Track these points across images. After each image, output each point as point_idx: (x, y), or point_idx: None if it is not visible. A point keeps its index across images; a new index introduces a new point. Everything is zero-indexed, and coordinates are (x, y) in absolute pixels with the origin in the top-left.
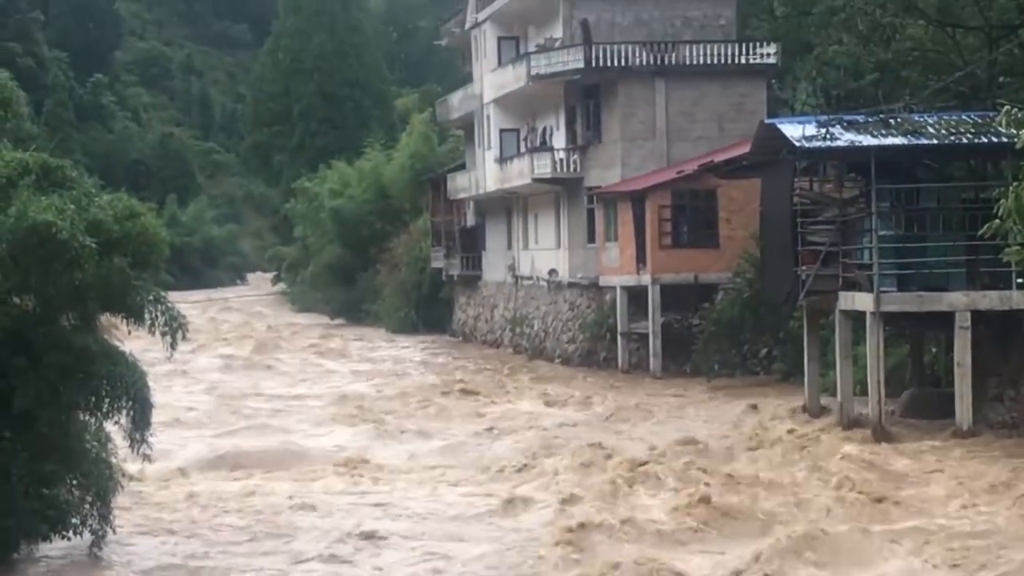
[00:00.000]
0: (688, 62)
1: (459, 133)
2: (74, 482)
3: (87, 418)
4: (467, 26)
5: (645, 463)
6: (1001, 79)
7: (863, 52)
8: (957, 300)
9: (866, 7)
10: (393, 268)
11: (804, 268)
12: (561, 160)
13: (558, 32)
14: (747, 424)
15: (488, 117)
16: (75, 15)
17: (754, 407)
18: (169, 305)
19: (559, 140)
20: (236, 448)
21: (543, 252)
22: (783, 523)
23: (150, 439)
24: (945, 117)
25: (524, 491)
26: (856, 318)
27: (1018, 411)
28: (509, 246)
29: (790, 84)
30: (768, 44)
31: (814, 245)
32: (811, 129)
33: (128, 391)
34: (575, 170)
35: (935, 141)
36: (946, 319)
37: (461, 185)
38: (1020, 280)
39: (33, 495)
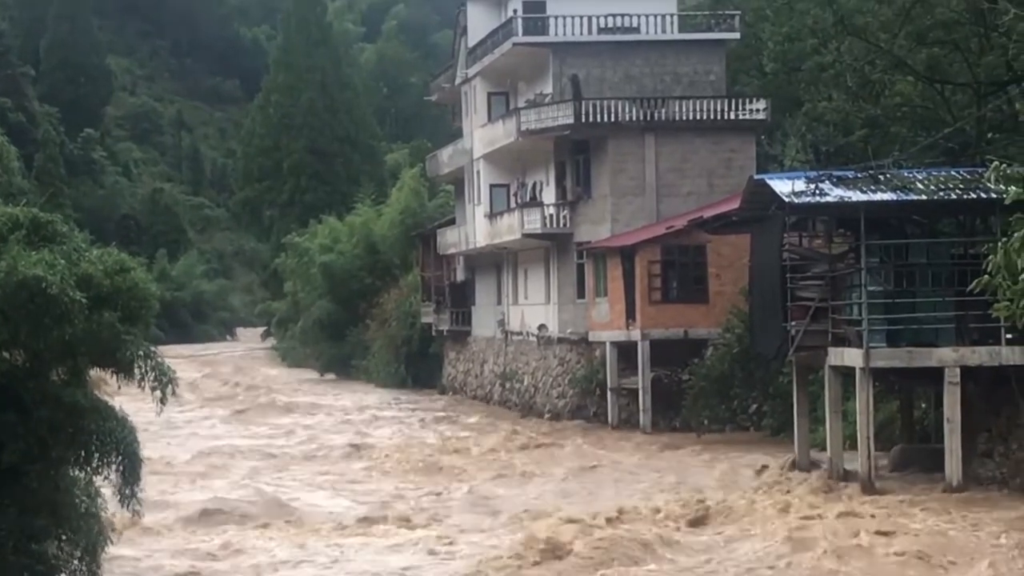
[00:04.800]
0: (678, 118)
1: (449, 188)
2: (63, 537)
3: (76, 473)
4: (457, 82)
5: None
6: (990, 135)
7: (852, 108)
8: (946, 356)
9: (855, 63)
10: (383, 323)
11: (793, 323)
12: (551, 215)
13: (548, 88)
14: None
15: (478, 172)
16: (66, 70)
17: None
18: (159, 360)
19: (549, 195)
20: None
21: (533, 307)
22: None
23: (140, 494)
24: (934, 173)
25: None
26: (846, 374)
27: (1008, 467)
28: (499, 301)
29: (779, 140)
30: (758, 100)
31: (803, 300)
32: (800, 185)
33: (118, 446)
34: (565, 225)
35: (924, 197)
36: (935, 375)
37: (451, 240)
38: (1009, 336)
39: (22, 550)
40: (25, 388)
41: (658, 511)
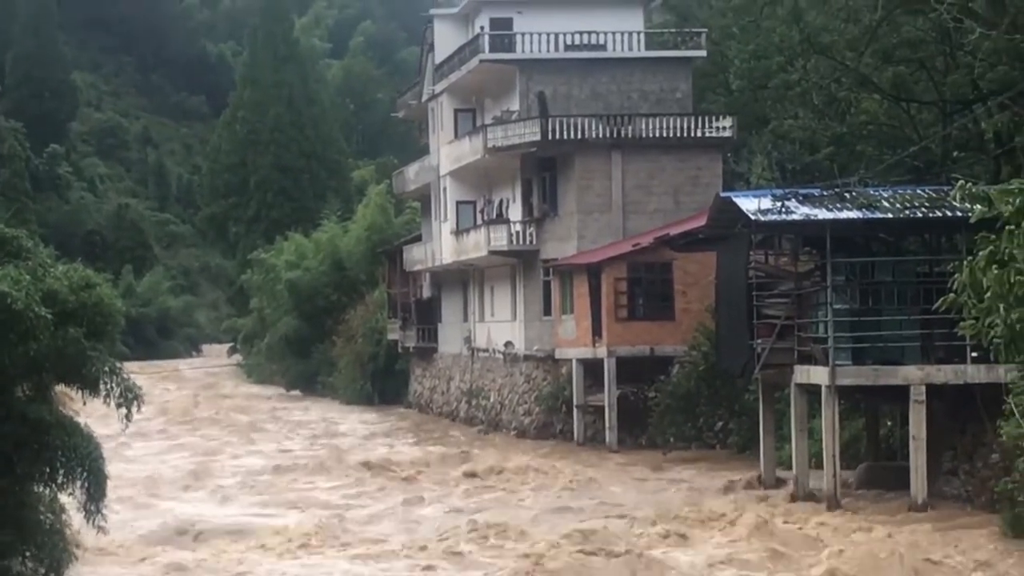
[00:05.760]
0: (644, 135)
1: (416, 205)
2: (28, 553)
3: (41, 489)
4: (424, 98)
5: None
6: (955, 154)
7: (818, 126)
8: (912, 374)
9: (822, 81)
10: (349, 340)
11: (760, 341)
12: (517, 232)
13: (515, 104)
14: None
15: (444, 189)
16: (31, 85)
17: None
18: (124, 376)
19: (515, 212)
20: None
21: (499, 324)
22: None
23: (104, 510)
24: (900, 191)
25: None
26: (812, 391)
27: (973, 484)
28: (465, 318)
29: (746, 157)
30: (724, 118)
31: (769, 318)
32: (766, 202)
33: (83, 462)
34: (531, 242)
35: (890, 215)
36: (901, 393)
37: (417, 257)
38: (974, 354)
39: None
40: None
41: (625, 527)
